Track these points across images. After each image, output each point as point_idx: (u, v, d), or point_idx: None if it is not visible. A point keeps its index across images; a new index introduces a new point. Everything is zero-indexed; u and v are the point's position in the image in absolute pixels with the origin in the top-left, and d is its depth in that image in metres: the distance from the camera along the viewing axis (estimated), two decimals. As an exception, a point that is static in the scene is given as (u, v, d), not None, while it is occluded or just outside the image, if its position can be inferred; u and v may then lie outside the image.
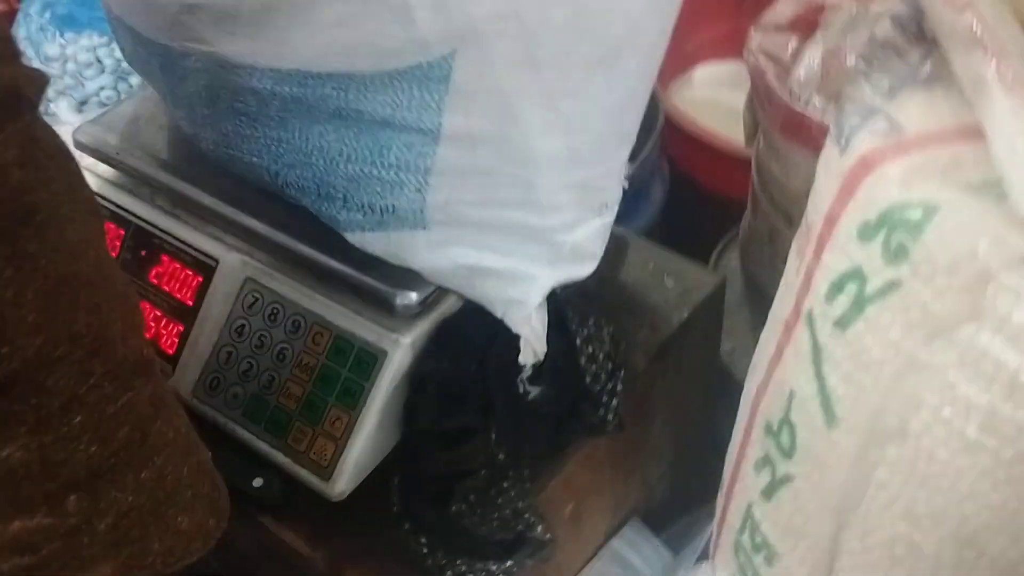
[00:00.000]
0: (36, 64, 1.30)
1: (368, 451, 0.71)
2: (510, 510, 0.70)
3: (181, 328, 0.79)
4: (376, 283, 0.71)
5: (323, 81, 0.63)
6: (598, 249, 0.70)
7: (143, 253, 0.81)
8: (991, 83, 0.48)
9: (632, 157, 0.71)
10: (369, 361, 0.71)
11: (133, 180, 0.83)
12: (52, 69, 1.31)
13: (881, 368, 0.49)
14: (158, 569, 0.50)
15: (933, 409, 0.47)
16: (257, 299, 0.76)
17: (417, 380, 0.71)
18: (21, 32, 1.35)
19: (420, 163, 0.64)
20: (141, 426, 0.48)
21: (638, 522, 0.89)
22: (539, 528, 0.70)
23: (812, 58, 0.84)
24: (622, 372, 0.74)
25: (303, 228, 0.73)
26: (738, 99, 1.46)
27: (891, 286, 0.49)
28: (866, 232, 0.51)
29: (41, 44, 1.36)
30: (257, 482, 0.73)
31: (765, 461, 0.61)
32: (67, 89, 1.35)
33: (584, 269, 0.71)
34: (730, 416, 1.01)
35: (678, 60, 1.47)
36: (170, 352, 0.79)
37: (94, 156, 0.84)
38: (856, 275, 0.51)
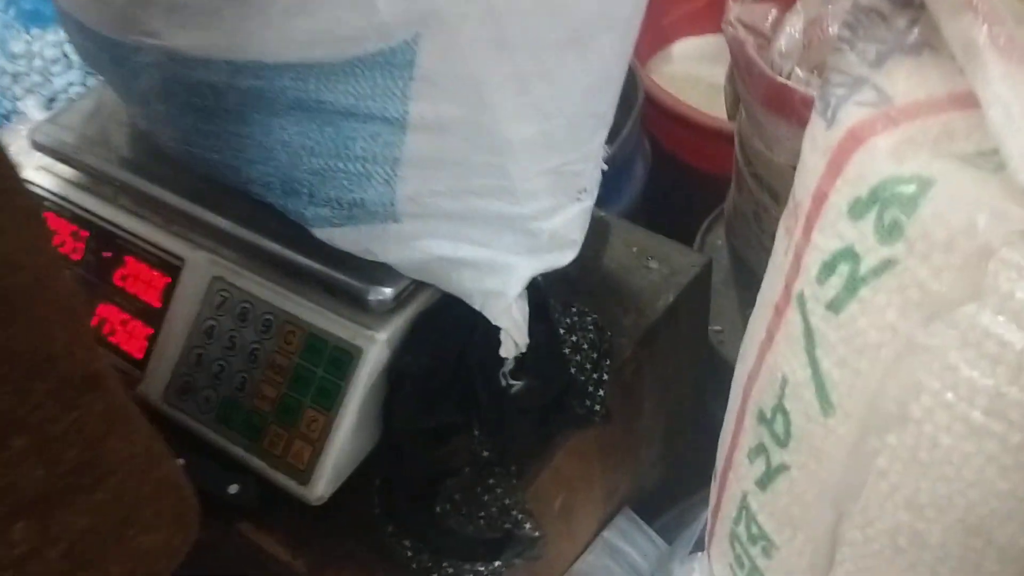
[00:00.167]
0: (1, 61, 1.27)
1: (347, 453, 0.68)
2: (497, 508, 0.68)
3: (149, 331, 0.76)
4: (349, 279, 0.68)
5: (281, 72, 0.60)
6: (578, 235, 0.68)
7: (107, 255, 0.78)
8: (983, 47, 0.46)
9: (611, 137, 0.68)
10: (344, 360, 0.68)
11: (94, 179, 0.80)
12: (18, 66, 1.28)
13: (878, 352, 0.47)
14: None
15: (934, 394, 0.45)
16: (226, 298, 0.73)
17: (395, 377, 0.68)
18: (-15, 29, 1.31)
19: (388, 154, 0.61)
20: (92, 445, 0.45)
21: (630, 512, 0.87)
22: (528, 525, 0.67)
23: (793, 28, 0.82)
24: (608, 361, 0.72)
25: (271, 224, 0.70)
26: (719, 73, 1.44)
27: (886, 265, 0.46)
28: (857, 209, 0.48)
29: (7, 41, 1.32)
30: (233, 488, 0.70)
31: (759, 450, 0.58)
32: (35, 86, 1.32)
33: (564, 257, 0.68)
34: (721, 399, 0.99)
35: (656, 35, 1.45)
36: (138, 356, 0.76)
37: (52, 156, 0.81)
38: (848, 255, 0.48)
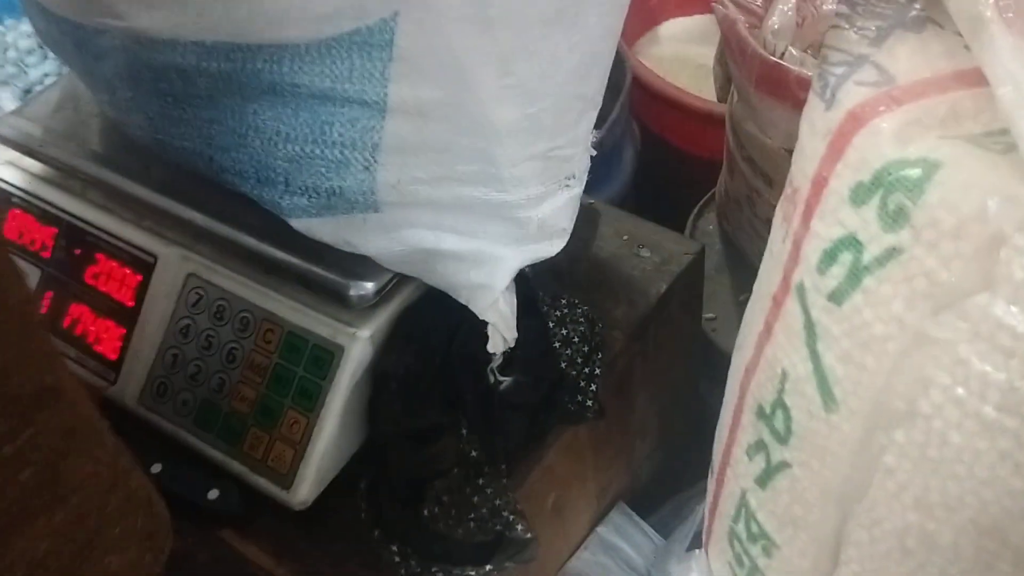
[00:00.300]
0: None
1: (330, 455, 0.66)
2: (487, 509, 0.65)
3: (122, 331, 0.73)
4: (328, 274, 0.65)
5: (253, 54, 0.57)
6: (567, 224, 0.65)
7: (77, 252, 0.75)
8: (990, 21, 0.44)
9: (599, 122, 0.66)
10: (325, 358, 0.66)
11: (62, 174, 0.77)
12: (-8, 58, 1.25)
13: (884, 345, 0.45)
14: None
15: (944, 389, 0.43)
16: (201, 296, 0.70)
17: (379, 376, 0.66)
18: (-43, 21, 1.28)
19: (366, 139, 0.59)
20: (50, 464, 0.42)
21: (624, 507, 0.85)
22: (520, 526, 0.65)
23: (785, 5, 0.79)
24: (600, 355, 0.70)
25: (247, 218, 0.68)
26: (707, 54, 1.41)
27: (891, 254, 0.44)
28: (860, 195, 0.46)
29: (-20, 32, 1.30)
30: (213, 494, 0.68)
31: (758, 446, 0.56)
32: (9, 78, 1.29)
33: (553, 247, 0.65)
34: (714, 387, 0.97)
35: (643, 16, 1.42)
36: (112, 357, 0.73)
37: (18, 150, 0.78)
38: (850, 243, 0.46)
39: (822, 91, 0.49)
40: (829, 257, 0.47)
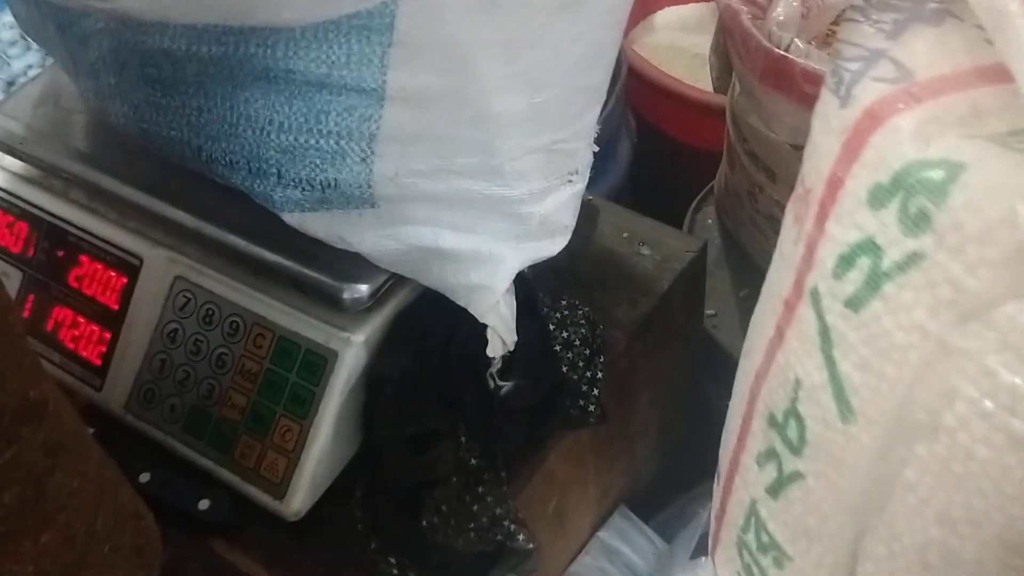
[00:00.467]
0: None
1: (324, 464, 0.64)
2: (487, 518, 0.63)
3: (108, 335, 0.71)
4: (321, 276, 0.63)
5: (246, 37, 0.55)
6: (570, 221, 0.63)
7: (60, 254, 0.73)
8: (1015, 15, 0.41)
9: (597, 114, 0.63)
10: (318, 364, 0.63)
11: (44, 173, 0.75)
12: (-27, 49, 1.22)
13: (905, 354, 0.43)
14: None
15: (971, 401, 0.40)
16: (189, 300, 0.68)
17: (374, 382, 0.64)
18: (-66, 12, 1.25)
19: (363, 129, 0.56)
20: (35, 482, 0.40)
21: (626, 510, 0.83)
22: (521, 536, 0.63)
23: (790, -5, 0.77)
24: (602, 358, 0.68)
25: (236, 218, 0.65)
26: (703, 43, 1.39)
27: (912, 259, 0.42)
28: (878, 197, 0.44)
29: (-40, 24, 1.27)
30: (204, 504, 0.66)
31: (769, 455, 0.54)
32: (-9, 70, 1.26)
33: (555, 245, 0.63)
34: (716, 385, 0.95)
35: (638, 4, 1.38)
36: (97, 363, 0.71)
37: (-2, 148, 0.75)
38: (869, 247, 0.44)
39: (836, 87, 0.47)
40: (846, 262, 0.45)
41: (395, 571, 0.62)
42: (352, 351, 0.63)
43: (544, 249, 0.64)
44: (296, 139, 0.58)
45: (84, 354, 0.71)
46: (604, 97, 0.62)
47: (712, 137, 1.10)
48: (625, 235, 0.79)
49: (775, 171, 0.80)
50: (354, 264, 0.63)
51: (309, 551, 0.65)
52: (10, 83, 1.27)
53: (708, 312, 0.95)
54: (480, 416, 0.64)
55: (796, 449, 0.51)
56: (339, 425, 0.63)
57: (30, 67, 1.29)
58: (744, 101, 0.81)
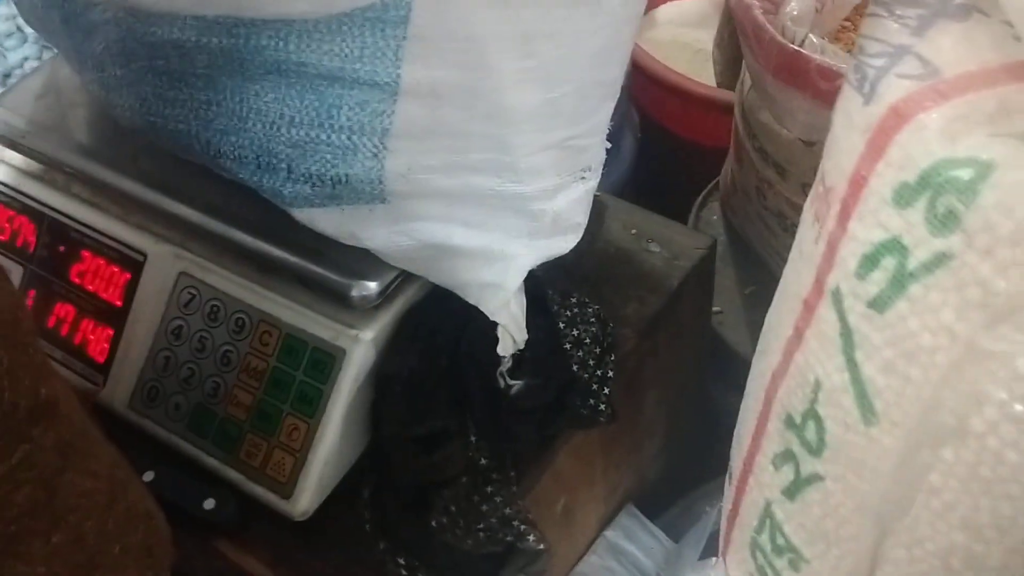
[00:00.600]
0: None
1: (332, 463, 0.63)
2: (496, 518, 0.62)
3: (111, 332, 0.70)
4: (329, 273, 0.62)
5: (258, 29, 0.54)
6: (582, 218, 0.62)
7: (61, 249, 0.72)
8: (1045, 11, 0.41)
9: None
10: (326, 362, 0.63)
11: (46, 167, 0.74)
12: (-31, 42, 1.21)
13: (932, 357, 0.42)
14: None
15: (1000, 405, 0.40)
16: (194, 296, 0.67)
17: (382, 380, 0.63)
18: (-73, 4, 1.24)
19: (376, 124, 0.55)
20: (46, 482, 0.39)
21: (633, 509, 0.82)
22: (531, 537, 0.62)
23: (803, -10, 0.76)
24: (612, 357, 0.67)
25: (242, 213, 0.64)
26: (705, 38, 1.38)
27: (940, 260, 0.41)
28: (904, 196, 0.43)
29: (-44, 17, 1.26)
30: (209, 503, 0.65)
31: (787, 456, 0.53)
32: (-13, 63, 1.25)
33: (567, 243, 0.62)
34: (721, 382, 0.95)
35: None
36: (100, 360, 0.70)
37: (-1, 141, 0.74)
38: (894, 247, 0.43)
39: (860, 84, 0.46)
40: (870, 262, 0.44)
41: (404, 572, 0.61)
42: (360, 349, 0.62)
43: (556, 247, 0.63)
44: (307, 134, 0.56)
45: (87, 351, 0.70)
46: (618, 92, 0.61)
47: (716, 133, 1.09)
48: (633, 232, 0.78)
49: (785, 168, 0.80)
50: (362, 261, 0.62)
51: (316, 551, 0.64)
52: (6, 75, 1.26)
53: (714, 309, 0.95)
54: (490, 415, 0.63)
55: (815, 451, 0.51)
56: (347, 424, 0.62)
57: (26, 59, 1.27)
58: (755, 97, 0.80)
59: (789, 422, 0.52)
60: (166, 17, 0.55)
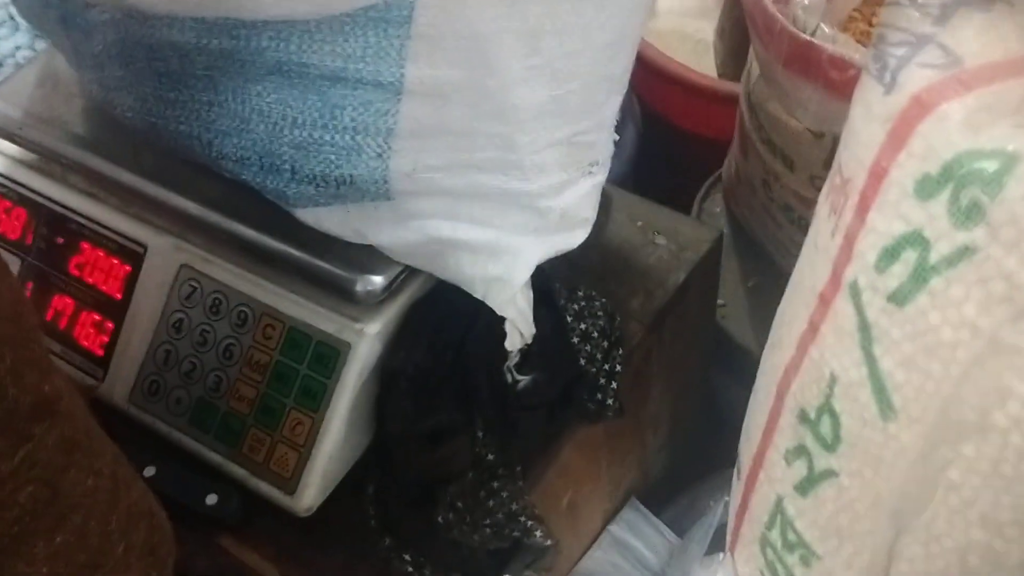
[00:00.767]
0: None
1: (336, 458, 0.62)
2: (503, 514, 0.62)
3: (110, 325, 0.69)
4: (333, 268, 0.61)
5: (258, 31, 0.53)
6: (590, 213, 0.61)
7: (60, 241, 0.71)
8: (1070, -1, 0.40)
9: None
10: (330, 356, 0.62)
11: (43, 157, 0.72)
12: (-41, 30, 1.19)
13: (953, 351, 0.41)
14: None
15: (1024, 401, 0.39)
16: (195, 288, 0.66)
17: (388, 375, 0.62)
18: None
19: (380, 124, 0.54)
20: (49, 481, 0.38)
21: (637, 503, 0.81)
22: (538, 533, 0.61)
23: (813, -21, 0.75)
24: (620, 351, 0.66)
25: (244, 206, 0.63)
26: (706, 29, 1.37)
27: (963, 253, 0.41)
28: (926, 188, 0.42)
29: (-55, 3, 1.24)
30: (211, 499, 0.64)
31: (799, 452, 0.53)
32: (-22, 52, 1.23)
33: (575, 238, 0.61)
34: (725, 376, 0.94)
35: (640, -10, 1.37)
36: (99, 354, 0.69)
37: (-5, 132, 0.73)
38: (915, 240, 0.43)
39: (880, 74, 0.45)
40: (890, 255, 0.44)
41: (410, 568, 0.61)
42: (365, 343, 0.61)
43: (564, 242, 0.62)
44: (310, 134, 0.56)
45: (86, 345, 0.69)
46: (626, 86, 0.60)
47: (718, 123, 1.08)
48: (639, 224, 0.77)
49: (793, 159, 0.79)
50: (367, 255, 0.61)
51: (320, 548, 0.63)
52: (-1, 64, 1.24)
53: (718, 302, 0.94)
54: (496, 411, 0.62)
55: (830, 446, 0.50)
56: (351, 418, 0.62)
57: (18, 48, 1.25)
58: (763, 87, 0.79)
59: (803, 417, 0.52)
60: (165, 19, 0.54)
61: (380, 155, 0.55)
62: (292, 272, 0.63)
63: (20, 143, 0.72)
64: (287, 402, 0.63)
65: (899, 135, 0.44)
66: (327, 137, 0.55)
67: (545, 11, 0.51)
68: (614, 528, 0.79)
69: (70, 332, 0.70)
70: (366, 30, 0.51)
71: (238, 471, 0.63)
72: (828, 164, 0.58)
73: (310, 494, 0.62)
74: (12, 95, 0.73)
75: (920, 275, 0.42)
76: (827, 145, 0.75)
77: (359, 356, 0.61)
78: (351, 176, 0.56)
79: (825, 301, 0.49)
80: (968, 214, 0.40)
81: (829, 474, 0.50)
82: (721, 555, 0.68)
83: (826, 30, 0.65)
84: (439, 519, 0.61)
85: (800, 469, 0.53)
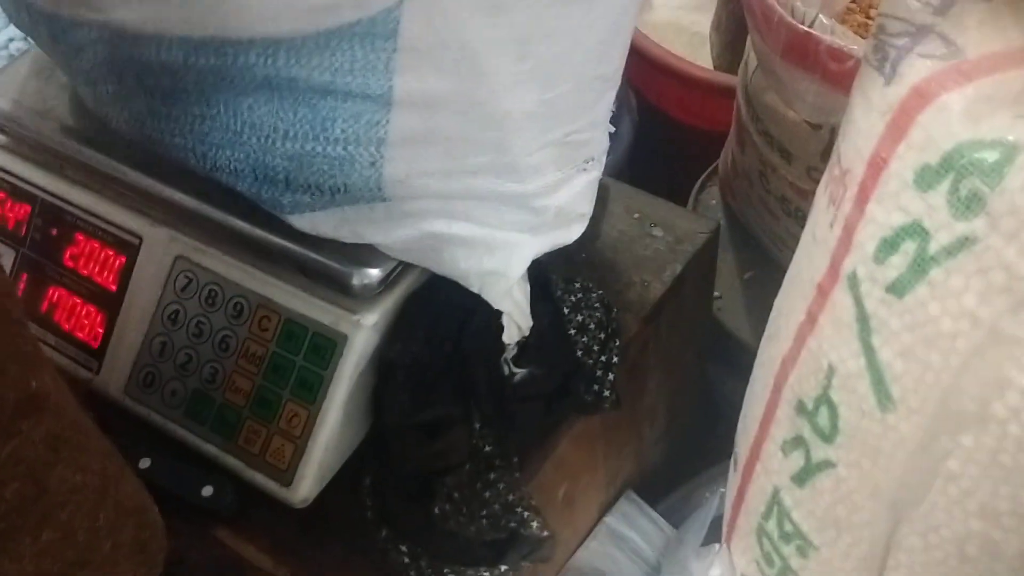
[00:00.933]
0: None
1: (332, 450, 0.62)
2: (500, 505, 0.62)
3: (105, 317, 0.68)
4: (329, 261, 0.61)
5: (245, 48, 0.53)
6: (587, 208, 0.61)
7: (54, 232, 0.70)
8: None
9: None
10: (326, 347, 0.61)
11: (37, 149, 0.72)
12: (-49, 22, 1.18)
13: (953, 342, 0.41)
14: None
15: None
16: (191, 280, 0.66)
17: (385, 366, 0.62)
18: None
19: (371, 134, 0.54)
20: (36, 477, 0.38)
21: (633, 495, 0.81)
22: (535, 524, 0.61)
23: (811, -30, 0.75)
24: (617, 342, 0.66)
25: (240, 198, 0.62)
26: (702, 22, 1.37)
27: (963, 243, 0.41)
28: (926, 178, 0.42)
29: (-64, -6, 1.23)
30: (207, 491, 0.64)
31: (797, 443, 0.53)
32: (-30, 44, 1.22)
33: (572, 233, 0.61)
34: (720, 368, 0.94)
35: (636, -18, 1.37)
36: (94, 345, 0.68)
37: (-13, 124, 0.72)
38: (915, 231, 0.43)
39: (880, 64, 0.45)
40: (889, 245, 0.44)
41: (406, 559, 0.60)
42: (362, 335, 0.61)
43: (561, 237, 0.62)
44: (303, 146, 0.55)
45: (80, 336, 0.69)
46: (619, 83, 0.60)
47: (714, 116, 1.08)
48: (636, 216, 0.77)
49: (791, 151, 0.79)
50: (364, 248, 0.61)
51: (316, 540, 0.63)
52: (-8, 56, 1.23)
53: (713, 294, 0.94)
54: (493, 403, 0.62)
55: (827, 437, 0.50)
56: (348, 410, 0.61)
57: (11, 40, 1.25)
58: (761, 79, 0.79)
59: (800, 408, 0.52)
60: (152, 39, 0.54)
61: (373, 164, 0.55)
62: (288, 264, 0.63)
63: (14, 135, 0.71)
64: (283, 394, 0.62)
65: (899, 126, 0.44)
66: (319, 148, 0.54)
67: (532, 17, 0.51)
68: (610, 520, 0.79)
69: (65, 324, 0.69)
70: (352, 44, 0.51)
71: (234, 463, 0.63)
72: (826, 156, 0.58)
73: (306, 486, 0.61)
74: (6, 87, 0.73)
75: (919, 266, 0.42)
76: (824, 136, 0.75)
77: (355, 348, 0.61)
78: (345, 185, 0.56)
79: (823, 292, 0.49)
80: (968, 204, 0.40)
81: (827, 465, 0.51)
82: (717, 546, 0.68)
83: (824, 21, 0.65)
84: (436, 510, 0.61)
85: (797, 460, 0.53)
